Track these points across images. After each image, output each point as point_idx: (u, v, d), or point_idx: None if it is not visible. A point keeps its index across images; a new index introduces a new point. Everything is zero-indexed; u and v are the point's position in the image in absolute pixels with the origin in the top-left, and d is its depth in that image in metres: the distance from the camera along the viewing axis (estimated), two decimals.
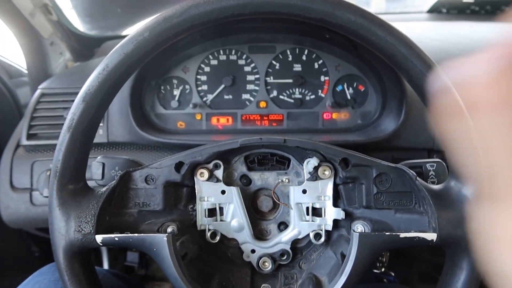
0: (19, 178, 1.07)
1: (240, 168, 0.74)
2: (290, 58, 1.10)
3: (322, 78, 1.10)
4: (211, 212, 0.72)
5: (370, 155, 0.68)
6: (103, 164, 0.75)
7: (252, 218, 0.73)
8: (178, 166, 0.68)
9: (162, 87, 1.12)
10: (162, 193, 0.68)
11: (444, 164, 0.74)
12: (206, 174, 0.70)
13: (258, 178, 0.75)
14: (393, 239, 0.61)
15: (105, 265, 1.66)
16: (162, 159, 0.69)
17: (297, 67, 1.10)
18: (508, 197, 0.33)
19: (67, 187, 0.62)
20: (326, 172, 0.69)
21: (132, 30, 0.59)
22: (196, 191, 0.71)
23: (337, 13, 0.57)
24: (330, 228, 0.71)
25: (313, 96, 1.11)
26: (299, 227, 0.72)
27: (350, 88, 1.10)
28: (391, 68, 0.96)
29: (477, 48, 0.36)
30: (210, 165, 0.71)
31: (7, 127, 1.37)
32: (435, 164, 0.73)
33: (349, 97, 1.10)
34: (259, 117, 1.12)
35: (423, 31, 1.37)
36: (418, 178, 0.63)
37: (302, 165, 0.71)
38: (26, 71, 1.41)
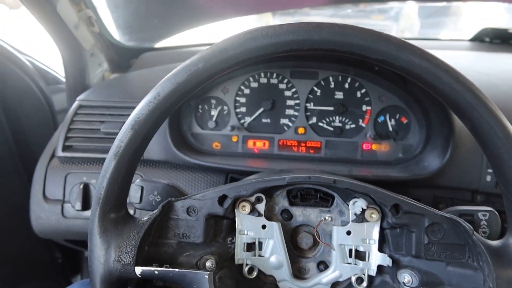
0: (52, 189, 1.07)
1: (282, 202, 0.72)
2: (332, 85, 1.08)
3: (364, 107, 1.07)
4: (249, 246, 0.70)
5: (410, 192, 0.65)
6: (142, 188, 0.75)
7: (290, 254, 0.71)
8: (222, 199, 0.66)
9: (200, 107, 1.11)
10: (203, 225, 0.66)
11: (497, 214, 0.70)
12: (248, 207, 0.68)
13: (300, 214, 0.72)
14: None
15: None
16: (205, 191, 0.67)
17: (339, 95, 1.08)
18: None
19: (109, 215, 0.60)
20: (373, 215, 0.66)
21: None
22: (236, 224, 0.69)
23: (401, 56, 0.55)
24: (374, 273, 0.67)
25: (353, 126, 1.08)
26: (340, 269, 0.68)
27: (392, 120, 1.07)
28: (439, 103, 0.93)
29: None
30: (252, 198, 0.69)
31: (41, 133, 1.40)
32: (487, 214, 0.70)
33: (391, 128, 1.06)
34: (296, 143, 1.10)
35: (467, 62, 1.33)
36: (475, 232, 0.60)
37: (347, 204, 0.68)
38: (63, 79, 1.43)
